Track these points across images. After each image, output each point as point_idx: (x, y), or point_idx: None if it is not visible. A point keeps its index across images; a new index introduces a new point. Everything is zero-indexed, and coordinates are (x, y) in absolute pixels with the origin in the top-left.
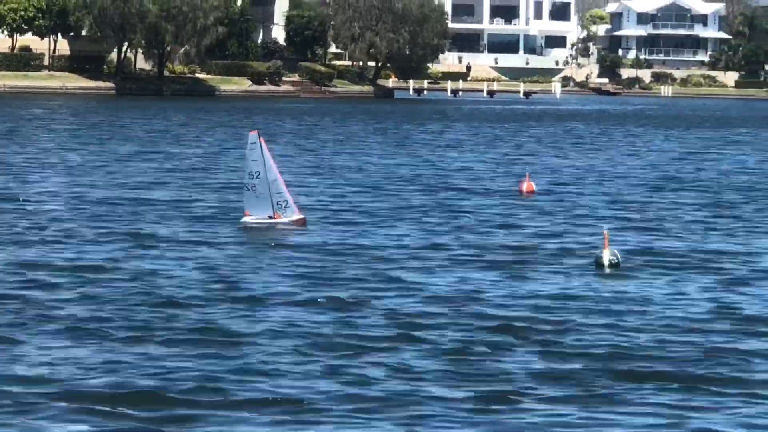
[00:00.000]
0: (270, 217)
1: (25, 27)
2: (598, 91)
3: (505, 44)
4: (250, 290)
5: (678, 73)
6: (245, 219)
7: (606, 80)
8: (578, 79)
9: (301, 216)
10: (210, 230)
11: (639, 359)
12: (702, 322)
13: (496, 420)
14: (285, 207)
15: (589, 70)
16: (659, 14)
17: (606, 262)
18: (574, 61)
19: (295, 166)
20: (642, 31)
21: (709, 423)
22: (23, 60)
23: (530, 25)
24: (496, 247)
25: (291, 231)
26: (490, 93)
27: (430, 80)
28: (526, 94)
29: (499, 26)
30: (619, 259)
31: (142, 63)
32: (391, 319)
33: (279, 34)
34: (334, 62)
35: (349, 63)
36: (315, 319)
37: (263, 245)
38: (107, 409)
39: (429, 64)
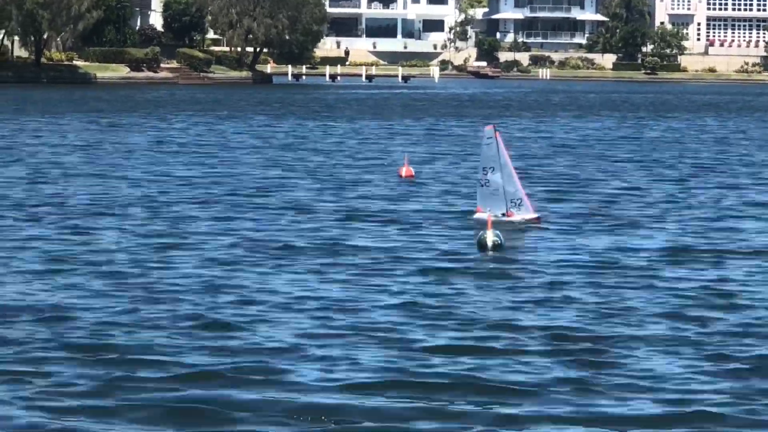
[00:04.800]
0: (503, 215)
1: None
2: (477, 74)
3: (383, 28)
4: None
5: (556, 56)
6: (477, 215)
7: (484, 63)
8: (456, 63)
9: (536, 215)
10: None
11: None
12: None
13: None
14: (519, 205)
15: (467, 54)
16: None
17: (489, 244)
18: (453, 44)
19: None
20: (519, 14)
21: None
22: None
23: (408, 9)
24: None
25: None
26: (369, 77)
27: (308, 65)
28: (405, 78)
29: (377, 10)
30: (502, 240)
31: (19, 50)
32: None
33: (157, 20)
34: (212, 48)
35: (227, 49)
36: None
37: None
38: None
39: (312, 49)
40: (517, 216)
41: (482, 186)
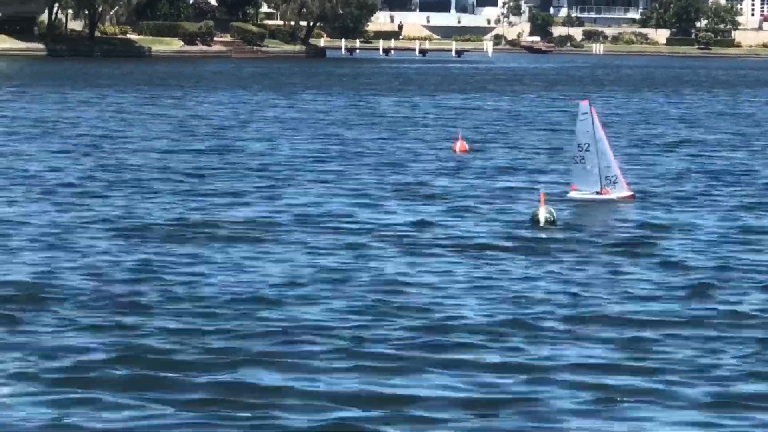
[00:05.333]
0: (597, 193)
1: None
2: (530, 49)
3: (436, 3)
4: None
5: (609, 31)
6: (572, 194)
7: (538, 38)
8: (510, 38)
9: (630, 192)
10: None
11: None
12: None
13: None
14: (614, 182)
15: (520, 29)
16: None
17: (542, 219)
18: (506, 19)
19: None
20: None
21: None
22: None
23: None
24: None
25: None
26: (422, 51)
27: (362, 39)
28: (458, 52)
29: None
30: (555, 216)
31: (73, 24)
32: None
33: None
34: (265, 22)
35: (280, 23)
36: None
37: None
38: None
39: (366, 23)
40: (612, 193)
41: (576, 163)
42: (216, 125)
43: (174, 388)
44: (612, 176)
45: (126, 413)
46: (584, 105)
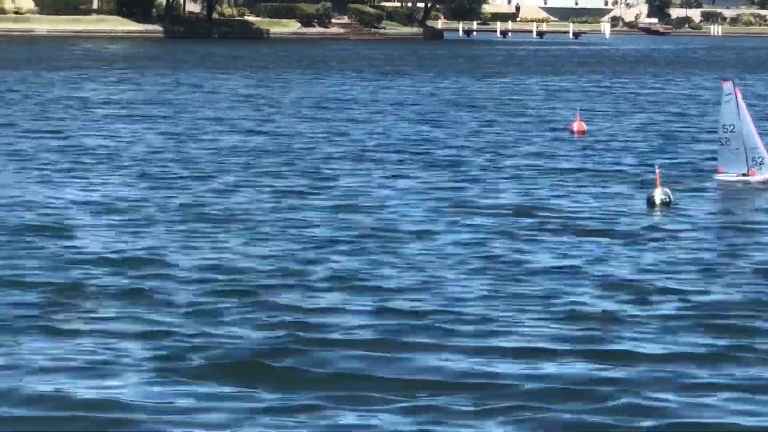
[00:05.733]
0: (744, 175)
1: None
2: (648, 31)
3: None
4: None
5: (728, 12)
6: (719, 176)
7: (655, 20)
8: (627, 19)
9: None
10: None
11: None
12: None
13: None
14: (761, 163)
15: (638, 10)
16: None
17: (658, 201)
18: (623, 1)
19: None
20: None
21: None
22: (72, 4)
23: None
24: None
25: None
26: (540, 34)
27: (479, 21)
28: (576, 34)
29: None
30: (671, 198)
31: (191, 6)
32: None
33: None
34: (383, 3)
35: (398, 4)
36: None
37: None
38: None
39: (483, 5)
40: (759, 176)
41: (722, 145)
42: (327, 107)
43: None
44: (759, 157)
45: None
46: (727, 86)
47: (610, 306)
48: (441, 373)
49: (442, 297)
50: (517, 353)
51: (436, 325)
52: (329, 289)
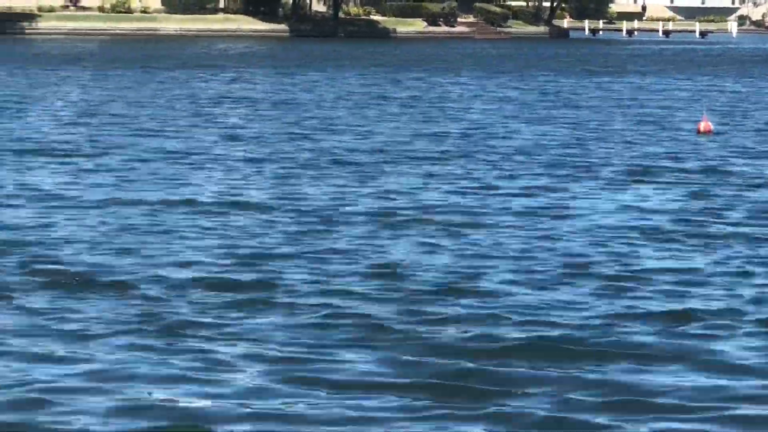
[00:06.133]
0: None
1: None
2: None
3: None
4: None
5: None
6: None
7: None
8: (754, 18)
9: None
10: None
11: None
12: None
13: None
14: None
15: (765, 9)
16: None
17: None
18: (750, 0)
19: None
20: None
21: None
22: (199, 3)
23: None
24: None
25: None
26: (666, 33)
27: (605, 20)
28: (702, 33)
29: None
30: None
31: (317, 5)
32: None
33: None
34: (509, 2)
35: (524, 3)
36: None
37: None
38: None
39: (609, 4)
40: None
41: None
42: (447, 107)
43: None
44: None
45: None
46: None
47: None
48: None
49: (563, 299)
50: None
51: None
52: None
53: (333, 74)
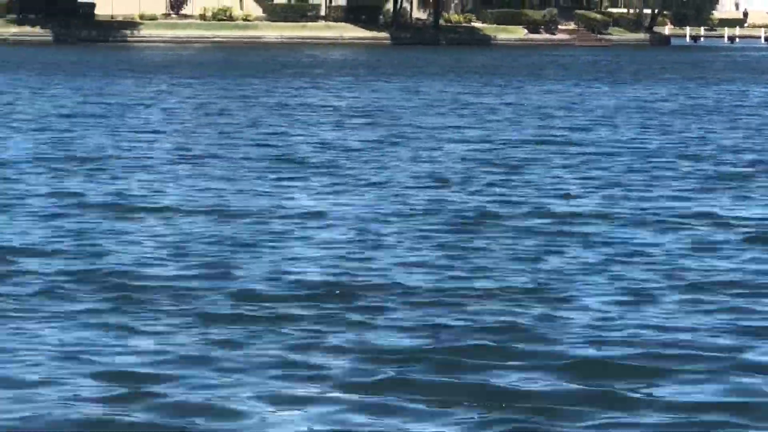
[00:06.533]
0: None
1: None
2: None
3: None
4: None
5: None
6: None
7: None
8: None
9: None
10: None
11: None
12: None
13: None
14: None
15: None
16: None
17: None
18: None
19: None
20: None
21: None
22: (300, 11)
23: None
24: None
25: None
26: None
27: (706, 27)
28: None
29: None
30: None
31: (418, 13)
32: None
33: None
34: (609, 10)
35: (625, 10)
36: None
37: None
38: None
39: (710, 11)
40: None
41: None
42: (538, 114)
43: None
44: None
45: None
46: None
47: None
48: None
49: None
50: None
51: None
52: None
53: (433, 81)
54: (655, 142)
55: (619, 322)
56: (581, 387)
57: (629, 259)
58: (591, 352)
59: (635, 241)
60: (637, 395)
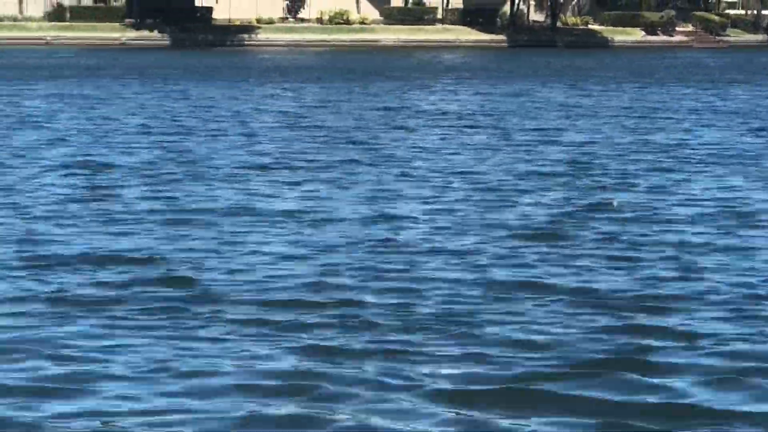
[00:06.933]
0: None
1: None
2: None
3: None
4: None
5: None
6: None
7: None
8: None
9: None
10: None
11: None
12: None
13: None
14: None
15: None
16: None
17: None
18: None
19: None
20: None
21: None
22: (417, 14)
23: None
24: None
25: None
26: None
27: None
28: None
29: None
30: None
31: (535, 15)
32: None
33: None
34: (728, 11)
35: (741, 11)
36: None
37: None
38: None
39: None
40: None
41: None
42: (625, 116)
43: None
44: None
45: None
46: None
47: None
48: None
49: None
50: None
51: None
52: None
53: (543, 85)
54: None
55: None
56: None
57: None
58: None
59: None
60: None
